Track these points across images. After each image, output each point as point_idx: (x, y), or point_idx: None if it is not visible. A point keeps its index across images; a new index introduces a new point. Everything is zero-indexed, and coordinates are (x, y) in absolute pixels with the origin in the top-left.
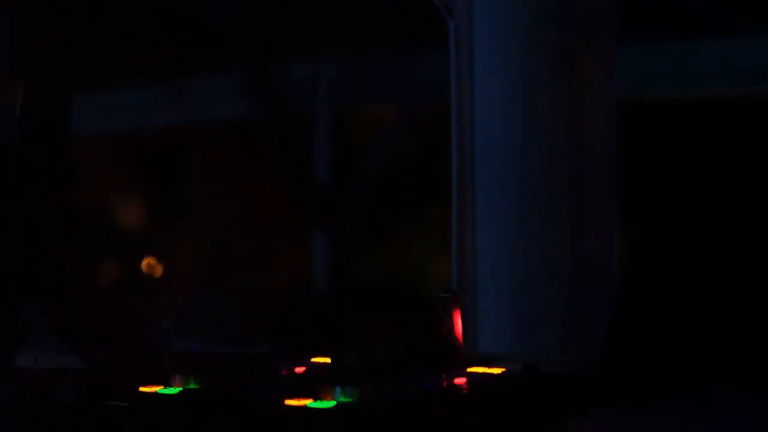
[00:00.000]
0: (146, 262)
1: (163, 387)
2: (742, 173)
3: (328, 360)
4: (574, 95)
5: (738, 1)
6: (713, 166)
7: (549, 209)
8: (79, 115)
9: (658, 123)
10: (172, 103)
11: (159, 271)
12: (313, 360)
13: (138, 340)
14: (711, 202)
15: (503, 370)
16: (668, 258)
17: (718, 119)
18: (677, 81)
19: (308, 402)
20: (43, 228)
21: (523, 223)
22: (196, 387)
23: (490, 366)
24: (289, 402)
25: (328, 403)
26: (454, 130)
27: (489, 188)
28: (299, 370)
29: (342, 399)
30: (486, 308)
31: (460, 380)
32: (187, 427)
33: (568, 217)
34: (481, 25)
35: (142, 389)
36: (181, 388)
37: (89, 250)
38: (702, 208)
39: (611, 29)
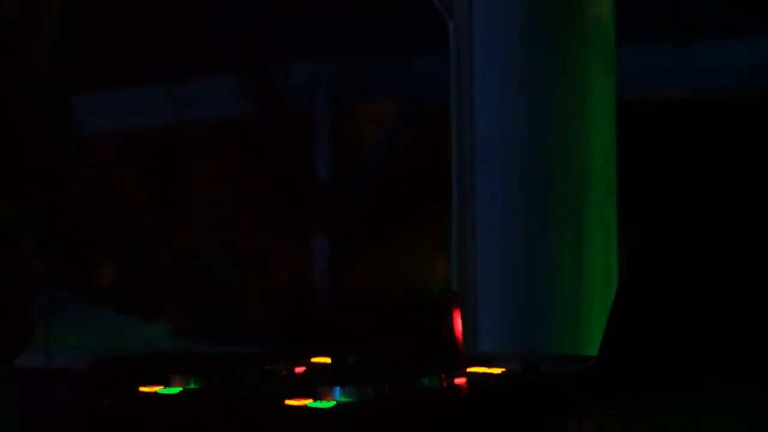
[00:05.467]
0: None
1: (163, 387)
2: (742, 173)
3: (328, 360)
4: (574, 95)
5: (738, 1)
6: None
7: (549, 209)
8: (79, 115)
9: (659, 123)
10: (172, 103)
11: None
12: (313, 360)
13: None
14: (712, 200)
15: (503, 370)
16: (669, 257)
17: (718, 119)
18: (677, 81)
19: (308, 402)
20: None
21: (523, 223)
22: (196, 387)
23: (490, 366)
24: (289, 402)
25: (328, 403)
26: (454, 130)
27: (489, 188)
28: (299, 370)
29: (342, 399)
30: (486, 308)
31: (460, 380)
32: (187, 427)
33: (568, 217)
34: (481, 25)
35: (142, 389)
36: (181, 388)
37: (88, 250)
38: (703, 207)
39: (611, 29)
